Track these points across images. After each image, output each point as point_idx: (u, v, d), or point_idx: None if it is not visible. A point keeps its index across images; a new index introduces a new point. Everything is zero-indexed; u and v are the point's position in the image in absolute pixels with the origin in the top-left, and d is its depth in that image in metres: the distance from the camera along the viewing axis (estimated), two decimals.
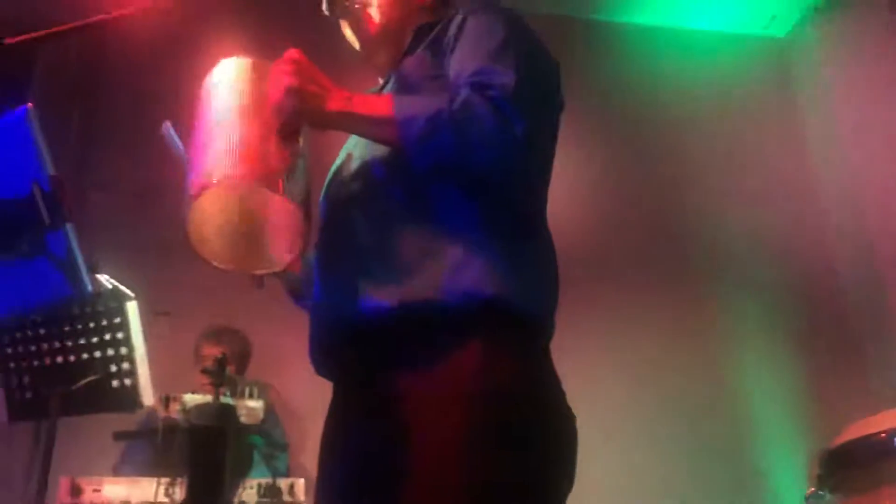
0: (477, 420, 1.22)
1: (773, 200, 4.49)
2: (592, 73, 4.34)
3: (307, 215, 1.29)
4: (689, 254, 4.32)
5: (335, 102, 1.30)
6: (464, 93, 1.31)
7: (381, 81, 1.66)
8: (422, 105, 1.32)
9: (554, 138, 1.48)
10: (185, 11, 1.40)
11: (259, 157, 1.23)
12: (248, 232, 1.34)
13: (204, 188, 1.23)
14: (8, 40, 1.14)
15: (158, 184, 3.76)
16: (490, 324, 1.28)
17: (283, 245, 1.32)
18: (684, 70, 4.64)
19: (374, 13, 1.60)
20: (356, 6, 1.59)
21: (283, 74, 1.28)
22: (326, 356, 1.45)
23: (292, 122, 1.28)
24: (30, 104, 1.19)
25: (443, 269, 1.29)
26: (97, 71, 4.13)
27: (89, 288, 1.16)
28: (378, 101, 1.38)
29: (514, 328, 1.30)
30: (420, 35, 1.58)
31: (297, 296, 1.66)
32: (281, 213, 1.28)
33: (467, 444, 1.21)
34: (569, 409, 1.35)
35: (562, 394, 1.35)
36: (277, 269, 1.37)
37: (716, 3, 4.79)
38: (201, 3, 1.39)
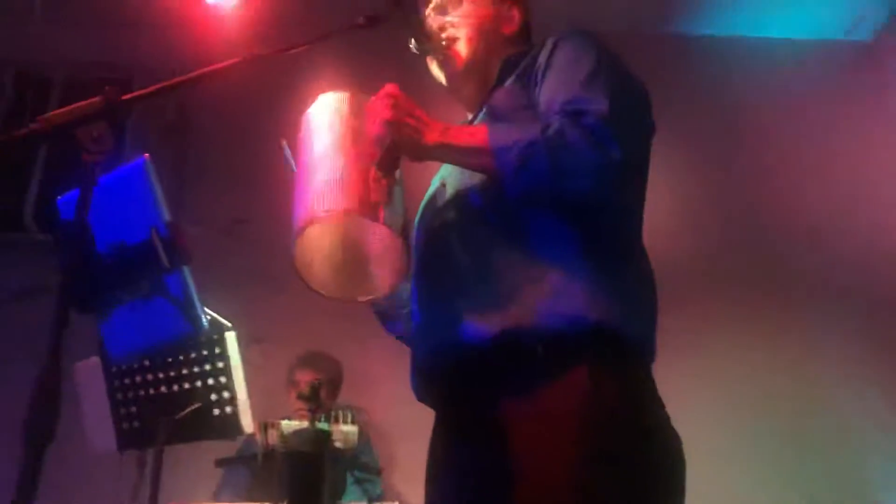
0: (585, 444, 1.23)
1: (867, 209, 4.34)
2: (677, 89, 4.30)
3: (407, 243, 1.33)
4: (785, 267, 4.20)
5: (432, 134, 1.35)
6: (557, 121, 1.33)
7: (468, 115, 1.69)
8: (516, 134, 1.34)
9: (647, 161, 1.49)
10: (276, 59, 1.45)
11: (360, 189, 1.27)
12: (352, 261, 1.39)
13: (310, 222, 1.28)
14: (123, 97, 1.21)
15: (247, 217, 3.93)
16: (594, 348, 1.29)
17: (385, 272, 1.36)
18: (769, 80, 4.54)
19: (461, 47, 1.64)
20: (443, 42, 1.64)
21: (381, 109, 1.32)
22: (429, 384, 1.49)
23: (391, 155, 1.33)
24: (146, 155, 1.27)
25: (544, 294, 1.31)
26: (189, 112, 4.32)
27: (205, 325, 1.23)
28: (473, 131, 1.41)
29: (617, 352, 1.31)
30: (507, 67, 1.61)
31: (388, 322, 1.70)
32: (382, 242, 1.33)
33: (576, 469, 1.22)
34: (674, 431, 1.34)
35: (666, 417, 1.35)
36: (380, 295, 1.40)
37: (795, 10, 4.69)
38: (289, 50, 1.43)
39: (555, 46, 1.50)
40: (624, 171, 1.34)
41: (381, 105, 1.33)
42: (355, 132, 1.35)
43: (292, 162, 1.44)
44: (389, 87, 1.35)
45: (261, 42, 1.40)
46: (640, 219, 1.51)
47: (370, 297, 1.43)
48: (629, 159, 1.34)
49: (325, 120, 1.39)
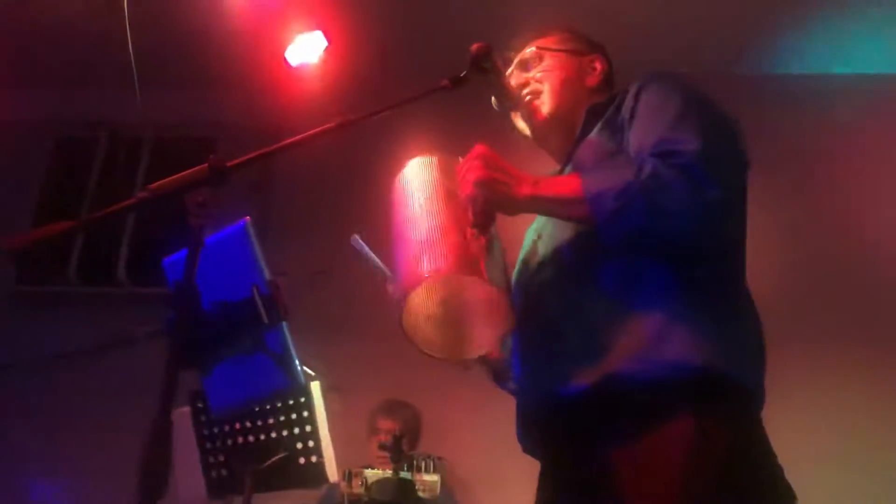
0: (694, 492, 1.21)
1: None
2: (764, 127, 4.27)
3: (510, 297, 1.36)
4: (872, 295, 4.07)
5: (524, 188, 1.37)
6: (650, 163, 1.32)
7: (557, 166, 1.72)
8: (609, 179, 1.34)
9: (745, 195, 1.46)
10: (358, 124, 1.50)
11: (461, 248, 1.31)
12: (457, 320, 1.41)
13: (415, 284, 1.31)
14: (229, 164, 1.28)
15: (327, 269, 4.03)
16: (700, 395, 1.26)
17: (490, 328, 1.38)
18: (859, 117, 4.44)
19: (545, 99, 1.67)
20: (526, 98, 1.67)
21: (472, 169, 1.35)
22: (533, 434, 1.51)
23: (486, 212, 1.35)
24: (248, 217, 1.34)
25: (644, 341, 1.29)
26: (272, 170, 4.48)
27: (303, 380, 1.27)
28: (564, 181, 1.43)
29: (725, 397, 1.28)
30: (592, 116, 1.62)
31: (500, 377, 1.71)
32: (486, 299, 1.35)
33: None
34: (787, 485, 1.31)
35: (780, 469, 1.32)
36: (485, 352, 1.44)
37: (871, 45, 4.58)
38: (376, 114, 1.49)
39: (639, 92, 1.50)
40: (722, 208, 1.33)
41: (471, 166, 1.36)
42: (448, 193, 1.39)
43: (367, 251, 1.48)
44: (478, 148, 1.38)
45: (341, 101, 1.46)
46: (743, 257, 1.48)
47: (475, 356, 1.45)
48: (726, 196, 1.33)
49: (418, 183, 1.44)
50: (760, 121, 4.30)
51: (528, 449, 1.55)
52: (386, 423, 3.36)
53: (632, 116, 1.48)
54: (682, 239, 1.33)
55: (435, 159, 1.46)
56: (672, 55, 4.37)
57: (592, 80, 1.72)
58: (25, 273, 4.51)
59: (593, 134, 1.58)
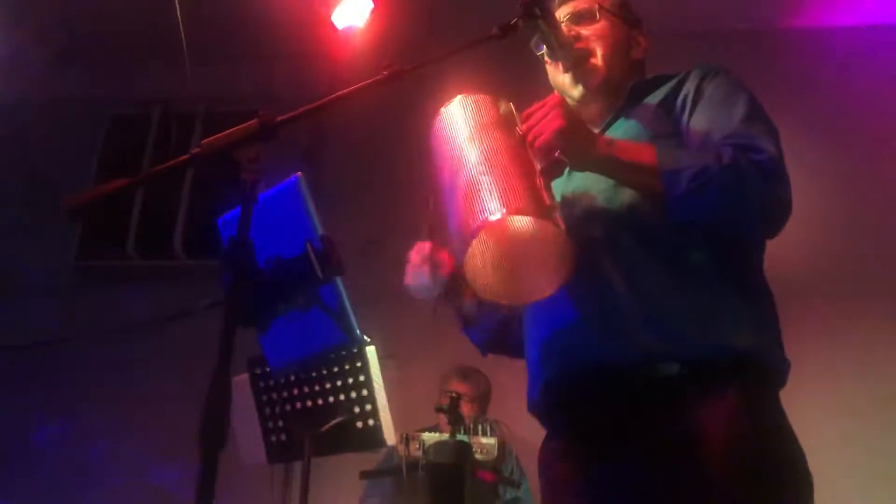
0: (742, 460, 1.27)
1: None
2: (813, 81, 4.14)
3: (573, 246, 1.30)
4: None
5: (600, 146, 1.36)
6: (728, 151, 1.34)
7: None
8: (687, 159, 1.35)
9: None
10: (409, 79, 1.47)
11: (533, 193, 1.27)
12: (519, 262, 1.37)
13: (483, 226, 1.25)
14: (279, 118, 1.27)
15: (380, 237, 4.04)
16: (743, 372, 1.33)
17: (550, 273, 1.33)
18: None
19: (600, 62, 1.63)
20: (583, 53, 1.62)
21: (553, 118, 1.31)
22: (559, 399, 1.47)
23: (561, 163, 1.33)
24: (300, 173, 1.33)
25: (693, 323, 1.35)
26: (324, 135, 4.49)
27: (359, 335, 1.27)
28: (639, 148, 1.41)
29: (763, 376, 1.37)
30: (638, 91, 1.61)
31: (470, 327, 1.71)
32: (552, 244, 1.30)
33: (735, 485, 1.26)
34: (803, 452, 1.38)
35: (798, 441, 1.38)
36: (546, 295, 1.36)
37: None
38: (426, 65, 1.45)
39: (703, 79, 1.53)
40: (788, 207, 1.39)
41: (551, 114, 1.32)
42: (508, 134, 1.35)
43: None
44: (555, 97, 1.36)
45: (392, 61, 1.42)
46: (764, 253, 1.54)
47: (536, 299, 1.40)
48: (790, 195, 1.39)
49: (470, 120, 1.38)
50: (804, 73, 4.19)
51: (542, 412, 1.53)
52: (459, 386, 3.35)
53: (695, 101, 1.51)
54: (747, 229, 1.42)
55: (485, 97, 1.41)
56: (716, 7, 4.27)
57: (637, 53, 1.71)
58: (85, 248, 4.62)
59: (652, 102, 1.57)
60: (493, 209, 1.24)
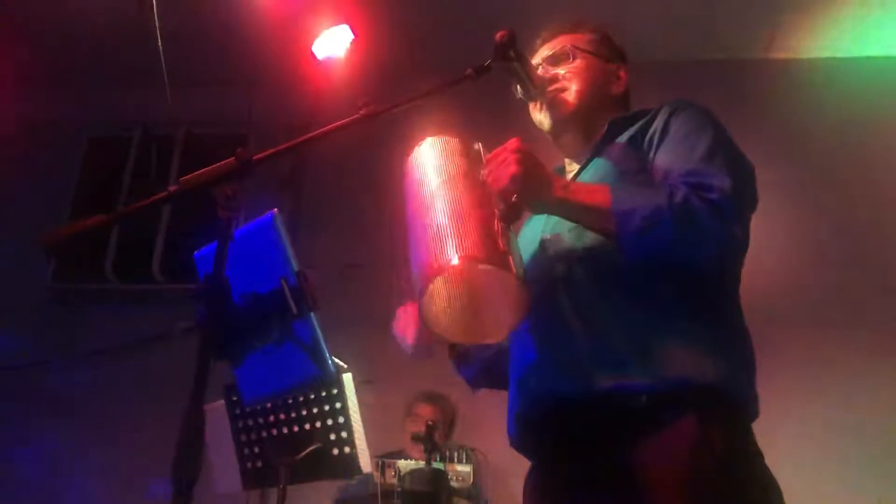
0: (695, 490, 1.27)
1: None
2: (779, 111, 4.22)
3: (527, 288, 1.35)
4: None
5: (556, 190, 1.38)
6: (682, 190, 1.35)
7: (569, 165, 1.73)
8: (640, 198, 1.37)
9: None
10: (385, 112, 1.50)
11: (489, 239, 1.30)
12: (474, 307, 1.41)
13: (441, 270, 1.30)
14: (255, 157, 1.30)
15: (358, 262, 4.06)
16: (704, 403, 1.33)
17: (505, 317, 1.38)
18: (872, 101, 4.37)
19: (570, 97, 1.67)
20: (552, 89, 1.67)
21: (509, 163, 1.34)
22: (530, 432, 1.51)
23: (517, 208, 1.36)
24: (275, 210, 1.35)
25: (655, 357, 1.35)
26: (303, 165, 4.51)
27: (332, 369, 1.29)
28: (594, 190, 1.43)
29: (725, 407, 1.36)
30: (615, 126, 1.64)
31: (464, 365, 1.75)
32: (505, 289, 1.35)
33: None
34: (774, 479, 1.37)
35: (767, 467, 1.37)
36: (500, 339, 1.43)
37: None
38: (401, 106, 1.49)
39: (671, 115, 1.54)
40: (742, 244, 1.41)
41: (507, 159, 1.35)
42: (471, 179, 1.38)
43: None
44: (514, 142, 1.38)
45: (368, 94, 1.46)
46: (739, 278, 1.54)
47: (490, 341, 1.45)
48: (745, 233, 1.41)
49: (436, 163, 1.42)
50: (783, 105, 4.27)
51: (520, 445, 1.56)
52: (425, 410, 3.38)
53: (661, 138, 1.52)
54: (701, 268, 1.41)
55: (454, 141, 1.45)
56: (698, 41, 4.35)
57: (617, 88, 1.75)
58: (62, 270, 4.59)
59: (620, 143, 1.60)
60: (448, 256, 1.28)
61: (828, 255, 4.07)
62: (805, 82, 4.48)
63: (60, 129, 4.85)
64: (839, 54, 4.61)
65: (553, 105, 1.68)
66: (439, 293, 1.38)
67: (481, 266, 1.32)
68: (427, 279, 1.31)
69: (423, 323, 1.37)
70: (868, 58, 4.60)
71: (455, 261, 1.28)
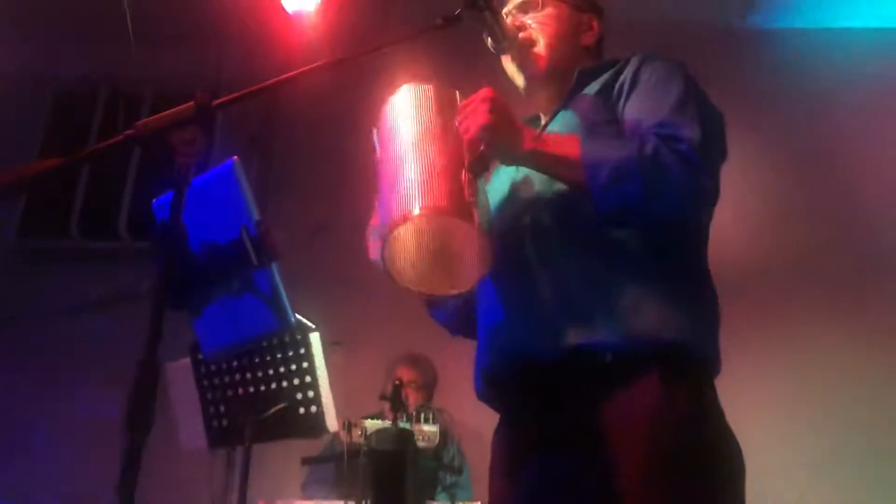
0: (657, 441, 1.28)
1: None
2: (753, 81, 4.22)
3: (490, 241, 1.34)
4: (865, 264, 4.04)
5: (525, 141, 1.36)
6: (652, 141, 1.34)
7: (542, 117, 1.70)
8: (609, 150, 1.36)
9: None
10: (357, 65, 1.47)
11: (454, 189, 1.29)
12: (437, 257, 1.40)
13: (403, 220, 1.29)
14: (214, 102, 1.26)
15: (329, 223, 4.02)
16: (667, 361, 1.34)
17: (469, 269, 1.37)
18: (847, 72, 4.38)
19: (542, 51, 1.64)
20: (525, 43, 1.63)
21: (479, 113, 1.32)
22: (494, 387, 1.51)
23: (486, 158, 1.34)
24: (235, 157, 1.32)
25: (620, 313, 1.35)
26: (273, 122, 4.44)
27: (293, 321, 1.27)
28: (565, 142, 1.41)
29: (687, 365, 1.36)
30: (584, 77, 1.61)
31: (434, 308, 1.73)
32: (470, 241, 1.34)
33: (648, 466, 1.27)
34: (735, 439, 1.38)
35: (728, 426, 1.39)
36: (465, 290, 1.42)
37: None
38: (368, 52, 1.45)
39: (641, 65, 1.52)
40: (712, 196, 1.40)
41: (477, 108, 1.33)
42: (443, 129, 1.36)
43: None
44: (485, 91, 1.35)
45: (342, 49, 1.42)
46: (707, 235, 1.53)
47: (454, 292, 1.44)
48: (715, 185, 1.40)
49: (411, 112, 1.39)
50: (759, 75, 4.28)
51: (485, 398, 1.56)
52: (405, 373, 3.37)
53: (631, 88, 1.50)
54: (670, 220, 1.40)
55: (430, 88, 1.42)
56: (681, 8, 4.32)
57: (588, 38, 1.71)
58: (27, 227, 4.50)
59: (590, 92, 1.57)
60: (411, 206, 1.28)
61: (799, 225, 4.10)
62: (778, 53, 4.48)
63: (25, 83, 4.73)
64: (814, 25, 4.60)
65: (525, 64, 1.65)
66: (408, 243, 1.36)
67: (443, 217, 1.31)
68: (389, 229, 1.30)
69: (388, 274, 1.36)
70: (843, 29, 4.60)
71: (416, 210, 1.27)
